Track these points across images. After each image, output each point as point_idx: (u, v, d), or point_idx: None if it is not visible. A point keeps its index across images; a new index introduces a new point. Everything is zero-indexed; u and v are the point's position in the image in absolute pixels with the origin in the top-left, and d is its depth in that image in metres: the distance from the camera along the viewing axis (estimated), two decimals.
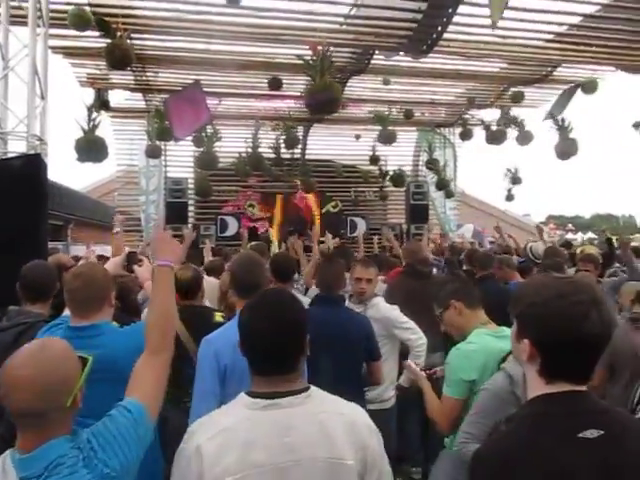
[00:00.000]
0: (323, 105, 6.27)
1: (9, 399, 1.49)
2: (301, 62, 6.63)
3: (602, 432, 1.29)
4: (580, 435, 1.28)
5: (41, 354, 1.57)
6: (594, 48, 8.09)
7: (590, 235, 23.20)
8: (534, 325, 1.38)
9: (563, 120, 8.56)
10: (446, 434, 2.75)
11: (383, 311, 4.09)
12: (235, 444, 1.54)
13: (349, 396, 1.78)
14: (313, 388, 1.70)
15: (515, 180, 11.88)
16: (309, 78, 9.34)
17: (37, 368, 1.51)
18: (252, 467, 1.53)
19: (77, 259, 5.38)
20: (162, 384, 1.83)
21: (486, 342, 2.66)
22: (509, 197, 12.24)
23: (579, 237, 22.61)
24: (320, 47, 6.26)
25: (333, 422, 1.62)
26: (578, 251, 7.39)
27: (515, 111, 11.07)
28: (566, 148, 8.49)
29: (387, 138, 10.01)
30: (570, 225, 31.35)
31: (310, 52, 6.48)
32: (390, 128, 10.20)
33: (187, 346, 3.27)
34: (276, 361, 1.65)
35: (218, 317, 3.57)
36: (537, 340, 1.37)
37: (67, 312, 2.70)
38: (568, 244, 9.82)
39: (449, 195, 12.92)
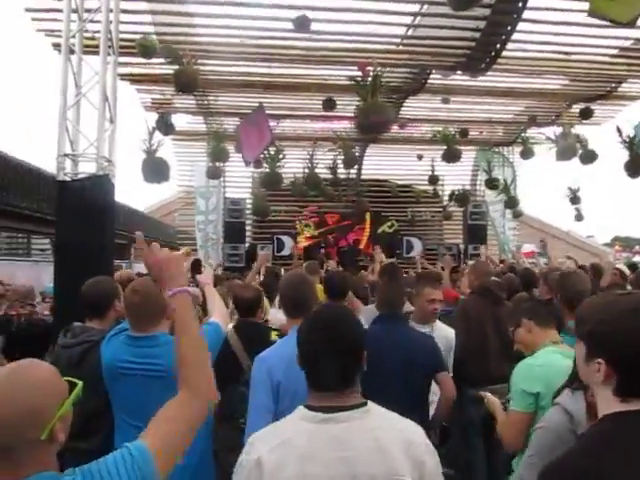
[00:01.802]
0: (374, 125, 6.25)
1: None
2: (352, 83, 6.67)
3: None
4: None
5: (7, 380, 1.34)
6: None
7: None
8: (609, 342, 1.33)
9: (633, 137, 8.22)
10: (511, 450, 2.67)
11: (446, 332, 4.10)
12: (293, 456, 1.56)
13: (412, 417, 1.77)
14: (370, 404, 1.69)
15: (575, 200, 11.47)
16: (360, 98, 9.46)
17: None
18: (310, 479, 1.55)
19: (140, 275, 5.60)
20: (188, 434, 1.52)
21: (552, 359, 2.62)
22: (579, 217, 11.80)
23: None
24: (371, 67, 6.28)
25: (390, 438, 1.61)
26: None
27: (577, 129, 10.74)
28: (636, 164, 8.14)
29: (452, 157, 9.89)
30: (637, 247, 29.93)
31: (361, 72, 6.51)
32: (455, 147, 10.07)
33: (242, 362, 3.33)
34: (334, 377, 1.66)
35: (274, 336, 3.61)
36: (614, 358, 1.32)
37: None
38: (633, 266, 9.37)
39: (516, 215, 12.62)
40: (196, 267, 3.04)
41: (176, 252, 1.95)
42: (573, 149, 9.52)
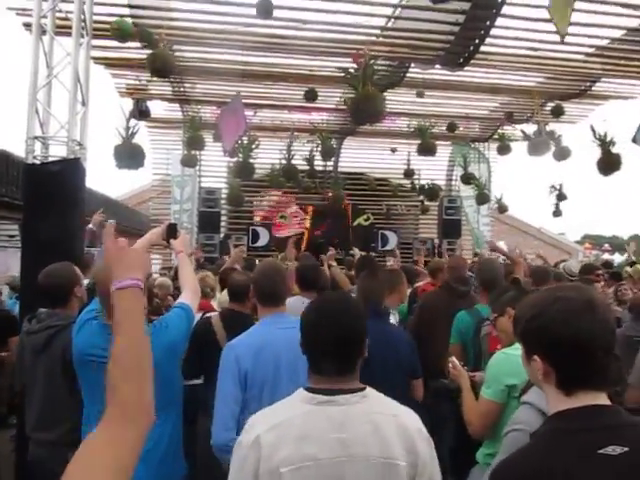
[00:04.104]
0: (366, 115, 6.23)
1: None
2: (337, 74, 6.65)
3: (626, 449, 1.21)
4: (600, 451, 1.21)
5: None
6: (636, 62, 7.92)
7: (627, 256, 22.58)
8: (537, 338, 1.36)
9: (605, 135, 8.34)
10: (476, 437, 2.69)
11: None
12: (291, 436, 1.60)
13: None
14: (369, 389, 1.74)
15: (561, 196, 11.61)
16: (344, 90, 9.42)
17: None
18: (307, 460, 1.58)
19: None
20: (126, 474, 1.05)
21: None
22: (557, 212, 11.92)
23: (616, 257, 22.03)
24: (362, 58, 6.25)
25: (386, 423, 1.66)
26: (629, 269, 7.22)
27: (552, 127, 10.86)
28: (609, 163, 8.26)
29: (426, 150, 9.88)
30: (607, 245, 30.53)
31: (351, 63, 6.48)
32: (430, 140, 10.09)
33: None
34: (338, 363, 1.71)
35: None
36: (545, 352, 1.35)
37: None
38: (608, 264, 9.55)
39: (502, 210, 12.74)
40: (171, 232, 2.96)
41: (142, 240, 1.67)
42: (546, 144, 9.62)
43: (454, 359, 3.04)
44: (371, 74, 6.16)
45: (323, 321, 1.75)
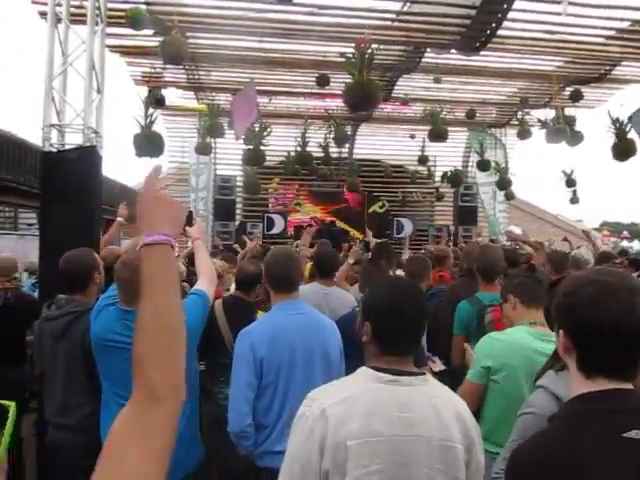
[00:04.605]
0: (358, 103, 6.16)
1: None
2: (343, 60, 6.56)
3: None
4: (625, 435, 1.20)
5: None
6: None
7: None
8: (565, 314, 1.36)
9: (620, 120, 8.17)
10: None
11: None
12: (358, 411, 1.64)
13: None
14: (427, 374, 1.81)
15: (570, 182, 11.49)
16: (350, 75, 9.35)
17: None
18: (373, 435, 1.62)
19: None
20: (160, 459, 0.96)
21: (518, 337, 2.62)
22: (574, 199, 11.79)
23: (635, 245, 21.74)
24: (363, 44, 6.16)
25: (445, 407, 1.72)
26: None
27: (569, 112, 10.66)
28: (624, 149, 8.09)
29: (438, 136, 9.79)
30: (625, 232, 30.11)
31: (356, 49, 6.40)
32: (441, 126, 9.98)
33: (224, 334, 3.32)
34: (404, 346, 1.79)
35: (260, 314, 3.60)
36: (569, 330, 1.34)
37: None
38: (624, 252, 9.41)
39: (509, 197, 12.62)
40: (187, 219, 2.99)
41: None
42: (564, 131, 9.46)
43: (467, 345, 3.05)
44: (370, 61, 6.06)
45: (395, 305, 1.81)
